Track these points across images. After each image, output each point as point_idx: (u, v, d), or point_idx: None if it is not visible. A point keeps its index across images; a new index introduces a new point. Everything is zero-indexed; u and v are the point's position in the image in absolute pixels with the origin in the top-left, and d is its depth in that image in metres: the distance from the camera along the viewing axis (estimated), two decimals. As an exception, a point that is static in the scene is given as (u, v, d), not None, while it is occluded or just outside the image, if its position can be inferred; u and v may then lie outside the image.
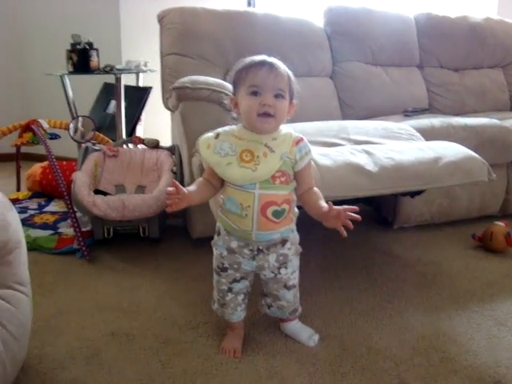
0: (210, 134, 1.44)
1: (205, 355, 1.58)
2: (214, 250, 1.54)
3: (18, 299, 1.34)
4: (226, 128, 1.44)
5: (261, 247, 1.46)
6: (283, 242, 1.48)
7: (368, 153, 1.82)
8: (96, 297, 1.95)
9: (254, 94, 1.33)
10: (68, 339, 1.67)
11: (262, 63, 1.35)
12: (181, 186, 1.35)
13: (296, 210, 1.49)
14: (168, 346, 1.62)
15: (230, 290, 1.54)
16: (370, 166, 1.74)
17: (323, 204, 1.37)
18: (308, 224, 1.57)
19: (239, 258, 1.48)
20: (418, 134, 2.25)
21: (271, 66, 1.35)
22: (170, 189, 1.35)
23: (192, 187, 1.44)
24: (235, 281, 1.52)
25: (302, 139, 1.39)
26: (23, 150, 3.27)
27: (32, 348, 1.60)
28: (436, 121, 2.56)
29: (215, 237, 1.53)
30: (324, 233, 2.53)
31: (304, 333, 1.64)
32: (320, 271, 2.14)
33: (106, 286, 2.04)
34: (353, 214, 1.31)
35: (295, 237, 1.52)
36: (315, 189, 1.42)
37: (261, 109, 1.33)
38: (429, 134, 2.34)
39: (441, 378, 1.47)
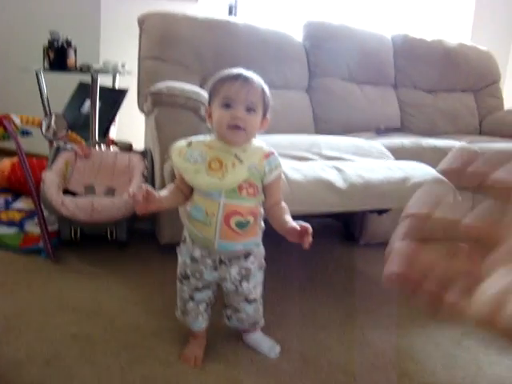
0: (183, 142, 1.45)
1: (166, 362, 1.58)
2: (178, 257, 1.55)
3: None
4: (200, 137, 1.46)
5: (223, 258, 1.47)
6: (246, 255, 1.49)
7: (338, 169, 1.85)
8: (59, 298, 1.93)
9: (227, 106, 1.35)
10: (28, 340, 1.65)
11: (237, 76, 1.37)
12: (151, 189, 1.35)
13: (262, 224, 1.51)
14: (129, 351, 1.62)
15: (191, 298, 1.55)
16: (339, 182, 1.77)
17: (288, 219, 1.39)
18: (274, 235, 1.59)
19: (201, 267, 1.49)
20: (388, 153, 2.30)
21: (246, 79, 1.37)
22: (134, 191, 1.34)
23: (163, 192, 1.45)
24: (197, 289, 1.53)
25: (272, 153, 1.40)
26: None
27: (-10, 347, 1.58)
28: (407, 141, 2.61)
29: (181, 244, 1.54)
30: (291, 246, 2.56)
31: (265, 344, 1.66)
32: (284, 282, 2.16)
33: (69, 287, 2.02)
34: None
35: (260, 251, 1.54)
36: (283, 203, 1.44)
37: (231, 121, 1.34)
38: (399, 154, 2.38)
39: (397, 395, 1.50)
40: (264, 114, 1.41)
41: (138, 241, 2.55)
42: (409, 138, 2.71)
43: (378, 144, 2.39)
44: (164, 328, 1.76)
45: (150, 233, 2.63)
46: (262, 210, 1.46)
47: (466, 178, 0.34)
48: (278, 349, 1.65)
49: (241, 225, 1.40)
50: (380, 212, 2.27)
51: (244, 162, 1.36)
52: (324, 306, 1.99)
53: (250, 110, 1.36)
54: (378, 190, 1.81)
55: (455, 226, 0.33)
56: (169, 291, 2.00)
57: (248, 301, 1.56)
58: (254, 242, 1.49)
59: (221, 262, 1.48)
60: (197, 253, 1.48)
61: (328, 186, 1.75)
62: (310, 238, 1.32)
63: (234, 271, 1.49)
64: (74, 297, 1.95)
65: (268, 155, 1.39)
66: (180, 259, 1.54)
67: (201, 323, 1.59)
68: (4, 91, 4.26)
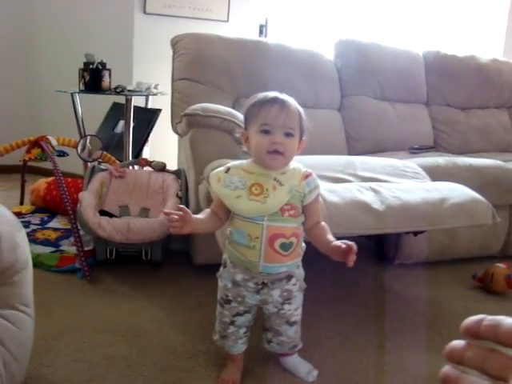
0: (221, 169, 1.46)
1: (203, 386, 1.57)
2: (218, 281, 1.54)
3: (22, 320, 1.34)
4: (236, 163, 1.47)
5: (266, 281, 1.47)
6: (288, 277, 1.49)
7: (375, 191, 1.84)
8: (95, 319, 1.95)
9: (265, 132, 1.36)
10: (66, 361, 1.66)
11: (274, 101, 1.38)
12: (188, 210, 1.36)
13: (303, 244, 1.50)
14: (166, 374, 1.62)
15: (232, 323, 1.54)
16: (376, 204, 1.76)
17: (331, 238, 1.39)
18: (309, 257, 1.58)
19: (243, 291, 1.49)
20: (423, 173, 2.27)
21: (282, 104, 1.37)
22: (171, 211, 1.36)
23: (199, 215, 1.46)
24: (238, 314, 1.53)
25: (310, 174, 1.41)
26: (29, 163, 3.29)
27: (30, 368, 1.58)
28: (441, 159, 2.58)
29: (221, 269, 1.54)
30: (325, 267, 2.54)
31: (303, 368, 1.64)
32: (320, 305, 2.14)
33: (105, 308, 2.04)
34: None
35: (300, 273, 1.54)
36: (323, 223, 1.44)
37: (271, 147, 1.35)
38: (434, 173, 2.35)
39: (439, 423, 1.46)
40: (300, 136, 1.41)
41: (173, 261, 2.56)
42: (443, 157, 2.68)
43: (413, 164, 2.37)
44: (200, 351, 1.76)
45: (184, 253, 2.64)
46: (302, 231, 1.45)
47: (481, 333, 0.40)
48: (315, 373, 1.63)
49: (285, 247, 1.40)
50: (416, 233, 2.24)
51: (285, 185, 1.37)
52: (360, 329, 1.97)
53: (288, 134, 1.36)
54: (415, 211, 1.79)
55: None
56: (204, 313, 2.01)
57: (289, 323, 1.55)
58: (296, 263, 1.49)
59: (263, 284, 1.47)
60: (239, 277, 1.47)
61: (365, 207, 1.74)
62: (354, 257, 1.31)
63: (276, 294, 1.48)
64: (110, 318, 1.96)
65: (307, 176, 1.40)
66: (220, 283, 1.53)
67: (240, 347, 1.59)
68: (41, 113, 4.36)
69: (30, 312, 1.39)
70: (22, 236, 1.37)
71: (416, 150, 2.94)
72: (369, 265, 2.64)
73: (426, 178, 2.25)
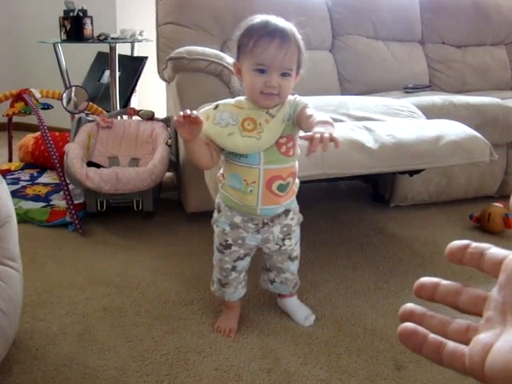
0: (209, 106, 1.38)
1: (198, 333, 1.56)
2: (214, 228, 1.49)
3: (9, 275, 1.30)
4: (224, 100, 1.40)
5: (265, 220, 1.43)
6: (286, 212, 1.45)
7: (369, 129, 1.78)
8: (88, 271, 1.92)
9: (260, 71, 1.26)
10: (60, 314, 1.64)
11: (273, 34, 1.25)
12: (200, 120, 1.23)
13: (297, 180, 1.45)
14: (161, 323, 1.60)
15: (233, 268, 1.50)
16: (370, 143, 1.70)
17: (313, 125, 1.17)
18: (303, 200, 1.54)
19: (243, 233, 1.44)
20: (418, 112, 2.20)
21: (282, 39, 1.25)
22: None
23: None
24: (239, 259, 1.49)
25: (296, 96, 1.33)
26: (15, 119, 3.20)
27: (23, 323, 1.58)
28: (437, 98, 2.51)
29: (215, 214, 1.49)
30: (319, 210, 2.52)
31: (301, 312, 1.63)
32: (315, 248, 2.12)
33: (98, 260, 2.01)
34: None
35: (296, 206, 1.50)
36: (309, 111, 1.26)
37: (265, 88, 1.27)
38: (429, 112, 2.29)
39: (437, 361, 1.45)
40: (297, 71, 1.33)
41: (165, 210, 2.52)
42: (439, 96, 2.60)
43: (408, 103, 2.30)
44: (195, 298, 1.74)
45: (176, 201, 2.61)
46: (297, 168, 1.40)
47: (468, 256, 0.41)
48: (312, 318, 1.62)
49: (282, 188, 1.36)
50: (411, 173, 2.19)
51: (276, 116, 1.30)
52: (357, 271, 1.95)
53: (284, 74, 1.27)
54: (410, 149, 1.74)
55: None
56: (198, 261, 1.98)
57: (291, 258, 1.53)
58: (293, 199, 1.45)
59: (263, 223, 1.43)
60: (238, 219, 1.43)
61: (358, 146, 1.68)
62: (314, 147, 1.06)
63: (276, 230, 1.45)
64: (104, 269, 1.93)
65: (294, 99, 1.32)
66: (217, 229, 1.48)
67: (240, 292, 1.56)
68: (23, 66, 4.24)
69: (17, 266, 1.35)
70: (2, 188, 1.32)
71: (411, 90, 2.86)
72: (364, 207, 2.61)
73: (421, 117, 2.18)
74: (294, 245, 1.51)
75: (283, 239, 1.47)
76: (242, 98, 1.37)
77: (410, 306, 0.41)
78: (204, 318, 1.63)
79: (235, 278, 1.52)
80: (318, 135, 1.06)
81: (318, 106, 2.05)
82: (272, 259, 1.53)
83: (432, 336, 0.39)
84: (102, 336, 1.53)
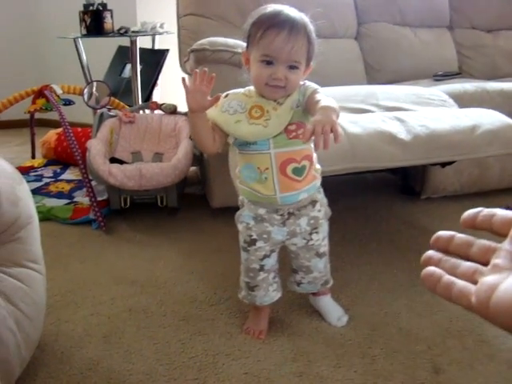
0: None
1: (226, 334, 1.50)
2: (238, 225, 1.44)
3: (31, 278, 1.26)
4: (236, 90, 1.35)
5: (291, 210, 1.37)
6: (313, 202, 1.39)
7: (400, 120, 1.70)
8: (113, 270, 1.88)
9: (267, 62, 1.22)
10: (85, 315, 1.61)
11: (281, 26, 1.19)
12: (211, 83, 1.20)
13: (318, 166, 1.39)
14: (188, 324, 1.55)
15: (261, 268, 1.44)
16: (402, 134, 1.63)
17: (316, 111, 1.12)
18: (331, 193, 1.47)
19: (268, 227, 1.38)
20: (450, 100, 2.12)
21: (290, 31, 1.19)
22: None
23: None
24: (266, 256, 1.42)
25: (304, 82, 1.28)
26: (37, 115, 3.18)
27: (48, 324, 1.54)
28: (469, 85, 2.41)
29: (238, 212, 1.43)
30: (347, 203, 2.44)
31: (334, 312, 1.56)
32: (344, 244, 2.05)
33: (122, 258, 1.97)
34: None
35: (323, 198, 1.43)
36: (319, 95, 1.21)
37: (271, 81, 1.22)
38: (461, 100, 2.20)
39: (477, 364, 1.38)
40: (308, 63, 1.27)
41: (189, 206, 2.47)
42: (471, 83, 2.50)
43: (439, 91, 2.21)
44: (222, 298, 1.69)
45: (201, 196, 2.56)
46: (315, 154, 1.34)
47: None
48: (345, 318, 1.55)
49: (298, 171, 1.30)
50: (444, 164, 2.11)
51: (284, 103, 1.26)
52: (389, 268, 1.87)
53: (292, 67, 1.22)
54: (444, 140, 1.66)
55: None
56: (224, 258, 1.93)
57: (319, 255, 1.45)
58: (315, 186, 1.38)
59: (289, 214, 1.37)
60: (262, 211, 1.37)
61: (390, 138, 1.61)
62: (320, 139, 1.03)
63: (303, 222, 1.39)
64: (128, 268, 1.89)
65: (302, 85, 1.27)
66: (241, 225, 1.42)
67: (272, 295, 1.49)
68: (43, 62, 4.23)
69: (40, 269, 1.31)
70: (23, 189, 1.28)
71: (441, 77, 2.76)
72: (394, 200, 2.52)
73: (453, 105, 2.09)
74: (321, 240, 1.44)
75: (310, 233, 1.41)
76: (251, 87, 1.33)
77: (429, 253, 0.46)
78: (232, 319, 1.58)
79: (264, 279, 1.45)
80: (318, 129, 1.02)
81: (346, 97, 2.00)
82: (299, 258, 1.47)
83: (446, 277, 0.43)
84: (128, 338, 1.49)
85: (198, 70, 1.22)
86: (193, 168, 2.56)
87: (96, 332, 1.52)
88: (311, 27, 1.26)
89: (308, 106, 1.23)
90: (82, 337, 1.50)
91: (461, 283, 0.42)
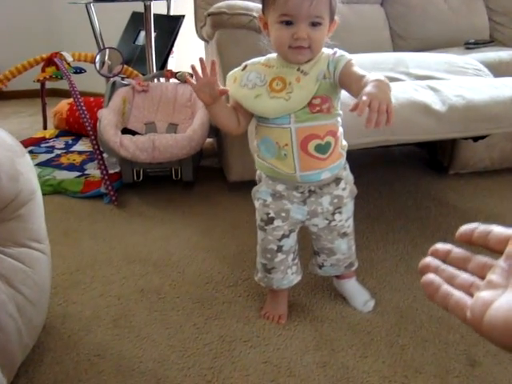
0: (237, 68, 1.23)
1: (244, 319, 1.40)
2: (255, 202, 1.32)
3: (34, 258, 1.17)
4: (255, 59, 1.22)
5: (312, 188, 1.25)
6: (337, 180, 1.27)
7: (434, 89, 1.56)
8: (124, 247, 1.79)
9: (286, 23, 1.08)
10: (93, 296, 1.52)
11: None
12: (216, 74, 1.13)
13: (344, 142, 1.26)
14: (203, 307, 1.45)
15: (279, 249, 1.32)
16: (437, 104, 1.49)
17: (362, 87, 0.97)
18: (354, 167, 1.34)
19: (287, 204, 1.27)
20: (485, 70, 1.96)
21: None
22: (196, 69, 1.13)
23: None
24: (284, 236, 1.31)
25: (336, 51, 1.13)
26: (49, 85, 3.08)
27: (55, 305, 1.46)
28: (504, 54, 2.24)
29: (255, 187, 1.32)
30: (372, 177, 2.32)
31: (360, 296, 1.45)
32: (370, 222, 1.93)
33: (134, 234, 1.88)
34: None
35: (348, 175, 1.30)
36: (367, 77, 1.02)
37: (293, 42, 1.09)
38: (496, 70, 2.03)
39: (517, 355, 1.27)
40: (331, 18, 1.13)
41: (205, 180, 2.37)
42: (506, 51, 2.33)
43: (473, 60, 2.05)
44: (240, 278, 1.59)
45: (217, 169, 2.45)
46: (341, 129, 1.21)
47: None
48: (372, 303, 1.44)
49: (321, 148, 1.17)
50: (476, 138, 1.97)
51: (310, 73, 1.12)
52: (417, 248, 1.75)
53: (315, 24, 1.08)
54: (483, 112, 1.52)
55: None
56: (242, 235, 1.83)
57: (341, 236, 1.34)
58: (340, 164, 1.25)
59: (310, 192, 1.26)
60: (280, 187, 1.26)
61: (424, 109, 1.47)
62: (369, 113, 0.90)
63: (325, 201, 1.27)
64: (140, 245, 1.80)
65: (333, 54, 1.13)
66: (258, 202, 1.31)
67: (291, 279, 1.38)
68: (54, 28, 4.11)
69: (43, 248, 1.22)
70: (24, 162, 1.17)
71: (472, 45, 2.59)
72: (421, 175, 2.39)
73: (489, 75, 1.93)
74: (344, 220, 1.32)
75: (333, 213, 1.29)
76: (273, 55, 1.19)
77: (427, 260, 0.47)
78: (250, 302, 1.48)
79: (282, 261, 1.34)
80: (375, 104, 0.89)
81: (373, 64, 1.85)
82: (320, 240, 1.35)
83: (445, 287, 0.44)
84: (139, 322, 1.40)
85: (194, 64, 1.13)
86: (209, 139, 2.44)
87: (105, 314, 1.43)
88: None
89: (345, 80, 1.09)
90: (91, 319, 1.41)
91: (457, 295, 0.43)
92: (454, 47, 2.63)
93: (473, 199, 2.15)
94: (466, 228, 0.46)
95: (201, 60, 1.13)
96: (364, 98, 0.90)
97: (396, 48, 2.73)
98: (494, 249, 0.44)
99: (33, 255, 1.17)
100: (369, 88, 0.93)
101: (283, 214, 1.28)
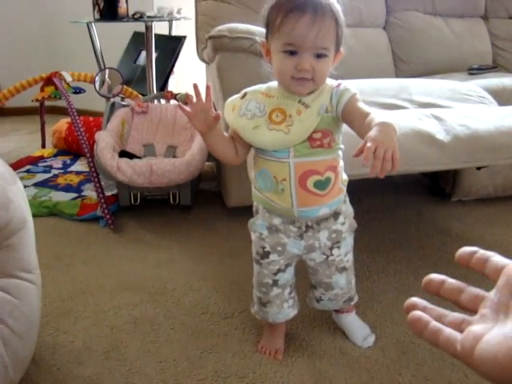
0: (236, 95, 1.19)
1: (240, 353, 1.36)
2: (251, 234, 1.28)
3: (22, 289, 1.13)
4: (255, 86, 1.18)
5: (309, 223, 1.21)
6: (335, 215, 1.22)
7: (438, 118, 1.53)
8: (118, 273, 1.74)
9: (290, 53, 1.04)
10: (85, 325, 1.47)
11: (303, 8, 1.02)
12: (210, 97, 1.09)
13: (345, 176, 1.22)
14: (198, 340, 1.41)
15: (274, 283, 1.28)
16: (441, 134, 1.46)
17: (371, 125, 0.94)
18: (354, 194, 1.30)
19: (283, 239, 1.23)
20: (489, 97, 1.94)
21: (314, 14, 1.02)
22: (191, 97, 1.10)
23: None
24: (280, 271, 1.27)
25: (340, 84, 1.10)
26: (49, 102, 3.05)
27: (45, 335, 1.42)
28: (508, 81, 2.22)
29: (252, 219, 1.28)
30: (372, 204, 2.28)
31: (359, 331, 1.40)
32: (370, 251, 1.89)
33: (130, 260, 1.83)
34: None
35: (348, 209, 1.26)
36: (371, 116, 0.99)
37: (296, 74, 1.05)
38: (500, 97, 2.01)
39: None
40: (337, 49, 1.09)
41: (204, 204, 2.33)
42: (509, 78, 2.31)
43: (476, 86, 2.03)
44: (236, 310, 1.54)
45: (216, 193, 2.41)
46: (342, 163, 1.17)
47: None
48: (372, 338, 1.39)
49: (320, 185, 1.13)
50: (480, 167, 1.94)
51: (311, 106, 1.08)
52: (419, 279, 1.68)
53: (319, 56, 1.05)
54: (487, 142, 1.49)
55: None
56: (239, 262, 1.79)
57: (339, 270, 1.29)
58: (340, 200, 1.21)
59: (307, 227, 1.21)
60: (277, 220, 1.21)
61: (427, 138, 1.44)
62: (374, 162, 0.86)
63: (323, 236, 1.22)
64: (135, 272, 1.75)
65: (336, 87, 1.09)
66: (254, 235, 1.27)
67: (287, 312, 1.33)
68: (55, 48, 4.10)
69: (33, 278, 1.17)
70: (16, 190, 1.14)
71: (476, 71, 2.57)
72: (423, 202, 2.35)
73: (492, 102, 1.91)
74: (343, 255, 1.27)
75: (331, 248, 1.24)
76: (273, 83, 1.15)
77: (413, 299, 0.47)
78: (247, 335, 1.43)
79: (278, 295, 1.30)
80: (380, 151, 0.85)
81: (375, 90, 1.82)
82: (318, 274, 1.31)
83: (433, 323, 0.43)
84: (131, 354, 1.35)
85: (188, 93, 1.11)
86: (208, 162, 2.40)
87: (97, 346, 1.38)
88: (338, 7, 1.07)
89: (348, 115, 1.06)
90: (82, 351, 1.36)
91: (448, 330, 0.43)
92: (457, 72, 2.62)
93: (476, 227, 2.10)
94: (465, 251, 0.47)
95: (195, 86, 1.09)
96: (369, 144, 0.86)
97: (398, 72, 2.71)
98: (489, 277, 0.44)
99: (21, 286, 1.12)
100: (374, 133, 0.89)
101: (279, 248, 1.24)
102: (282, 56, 1.06)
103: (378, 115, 0.97)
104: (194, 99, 1.09)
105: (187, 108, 1.10)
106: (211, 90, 1.10)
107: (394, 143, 0.88)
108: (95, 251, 1.90)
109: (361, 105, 1.04)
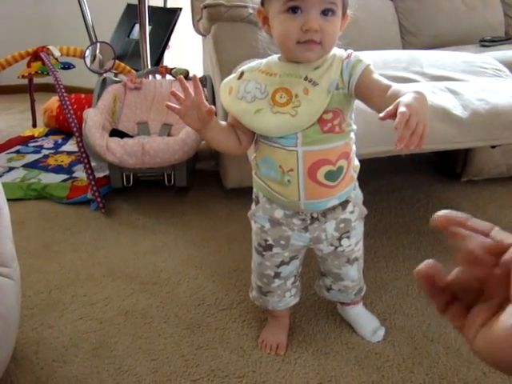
0: (233, 75, 1.04)
1: (239, 350, 1.25)
2: (252, 223, 1.17)
3: (-3, 285, 1.02)
4: (253, 63, 1.04)
5: (315, 215, 1.08)
6: (343, 204, 1.09)
7: (454, 92, 1.40)
8: (110, 261, 1.63)
9: (294, 10, 0.90)
10: (73, 319, 1.37)
11: None
12: (201, 93, 0.95)
13: (357, 162, 1.09)
14: (193, 334, 1.30)
15: (276, 275, 1.17)
16: (458, 110, 1.33)
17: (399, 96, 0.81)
18: (360, 174, 1.16)
19: (287, 231, 1.11)
20: (505, 70, 1.79)
21: None
22: (177, 93, 0.96)
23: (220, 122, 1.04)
24: (283, 263, 1.15)
25: (350, 54, 0.95)
26: (40, 80, 2.92)
27: (29, 330, 1.32)
28: (524, 52, 2.09)
29: (253, 206, 1.15)
30: (379, 185, 2.16)
31: (368, 324, 1.29)
32: (377, 235, 1.77)
33: (122, 247, 1.72)
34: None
35: (357, 195, 1.13)
36: (394, 88, 0.87)
37: (302, 36, 0.90)
38: (516, 69, 1.88)
39: (549, 398, 1.11)
40: (343, 11, 0.94)
41: (200, 185, 2.21)
42: (524, 49, 2.18)
43: (491, 59, 1.89)
44: (235, 301, 1.43)
45: (214, 173, 2.29)
46: (354, 146, 1.04)
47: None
48: (382, 332, 1.28)
49: (332, 175, 1.00)
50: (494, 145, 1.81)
51: (320, 83, 0.93)
52: (430, 266, 1.59)
53: (327, 12, 0.90)
54: (509, 118, 1.36)
55: None
56: (238, 248, 1.69)
57: (350, 262, 1.17)
58: (350, 189, 1.08)
59: (312, 219, 1.08)
60: (279, 213, 1.09)
61: (444, 114, 1.32)
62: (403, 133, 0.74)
63: (330, 228, 1.10)
64: (127, 259, 1.64)
65: (347, 57, 0.94)
66: (255, 225, 1.15)
67: (288, 301, 1.23)
68: (46, 21, 3.94)
69: (9, 272, 1.06)
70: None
71: (488, 43, 2.43)
72: (431, 182, 2.23)
73: (509, 75, 1.77)
74: (353, 245, 1.15)
75: (340, 238, 1.12)
76: (273, 58, 1.01)
77: (426, 263, 0.41)
78: (246, 329, 1.32)
79: (280, 286, 1.19)
80: (412, 121, 0.73)
81: (384, 63, 1.69)
82: (326, 263, 1.19)
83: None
84: (121, 351, 1.25)
85: (174, 90, 0.97)
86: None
87: (84, 342, 1.28)
88: None
89: (364, 89, 0.92)
90: (68, 348, 1.26)
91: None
92: (468, 44, 2.48)
93: (488, 209, 1.99)
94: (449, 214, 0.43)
95: (180, 79, 0.95)
96: (403, 109, 0.73)
97: (405, 45, 2.57)
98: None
99: (-5, 282, 1.01)
100: (408, 99, 0.76)
101: (282, 242, 1.12)
102: (283, 17, 0.91)
103: (404, 87, 0.84)
104: (182, 95, 0.95)
105: (176, 106, 0.97)
106: (198, 81, 0.96)
107: (426, 116, 0.76)
108: (85, 237, 1.78)
109: (377, 76, 0.91)
